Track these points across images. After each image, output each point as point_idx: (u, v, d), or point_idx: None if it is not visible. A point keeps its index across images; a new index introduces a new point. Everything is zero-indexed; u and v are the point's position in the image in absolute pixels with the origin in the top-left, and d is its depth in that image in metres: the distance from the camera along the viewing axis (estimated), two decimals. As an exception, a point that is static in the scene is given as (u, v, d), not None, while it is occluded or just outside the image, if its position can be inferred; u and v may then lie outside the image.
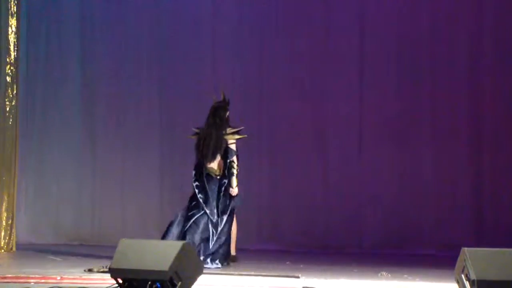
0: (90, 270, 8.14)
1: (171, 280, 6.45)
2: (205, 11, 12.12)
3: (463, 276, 6.29)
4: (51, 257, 9.81)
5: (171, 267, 6.43)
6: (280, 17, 12.04)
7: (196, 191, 9.14)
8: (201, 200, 9.09)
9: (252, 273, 8.36)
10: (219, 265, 8.97)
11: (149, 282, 6.47)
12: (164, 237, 9.17)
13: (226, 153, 9.13)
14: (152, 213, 11.97)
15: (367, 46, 11.85)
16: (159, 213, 11.93)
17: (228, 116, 9.26)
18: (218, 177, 9.16)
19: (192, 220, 9.07)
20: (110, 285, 6.70)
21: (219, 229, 9.06)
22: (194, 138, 9.35)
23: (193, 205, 9.15)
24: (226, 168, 9.12)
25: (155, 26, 12.15)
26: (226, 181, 9.13)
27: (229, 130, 9.18)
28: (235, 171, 9.14)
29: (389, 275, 8.47)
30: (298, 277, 8.05)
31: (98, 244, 11.52)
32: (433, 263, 10.00)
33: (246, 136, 9.33)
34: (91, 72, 12.18)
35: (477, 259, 6.16)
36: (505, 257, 6.21)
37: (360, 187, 11.71)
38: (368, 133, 11.82)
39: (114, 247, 6.75)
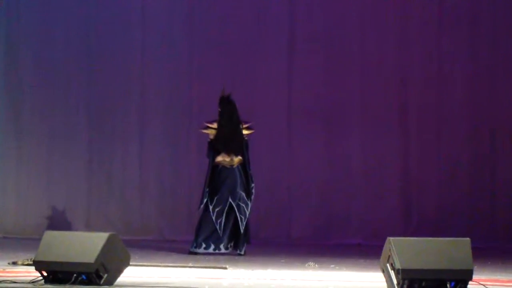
0: (14, 263, 8.00)
1: (97, 272, 6.40)
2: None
3: (388, 265, 6.37)
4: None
5: (97, 259, 6.37)
6: (209, 5, 12.01)
7: (210, 186, 9.67)
8: (224, 192, 9.62)
9: (180, 264, 8.33)
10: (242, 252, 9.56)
11: (75, 275, 6.41)
12: (201, 242, 9.60)
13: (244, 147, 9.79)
14: (79, 205, 11.84)
15: (297, 33, 11.91)
16: (86, 205, 11.81)
17: None
18: (235, 167, 9.68)
19: (223, 214, 9.58)
20: (35, 278, 6.60)
21: (247, 213, 9.62)
22: (209, 133, 9.78)
23: (216, 200, 9.62)
24: (246, 160, 9.70)
25: (83, 20, 12.04)
26: (246, 170, 9.68)
27: (243, 125, 9.81)
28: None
29: (316, 265, 8.52)
30: (225, 268, 8.05)
31: (23, 237, 11.34)
32: (360, 252, 10.09)
33: (254, 130, 9.89)
34: (15, 60, 12.01)
35: (402, 248, 6.24)
36: (429, 246, 6.31)
37: (288, 177, 11.76)
38: (296, 122, 11.87)
39: (39, 240, 6.65)
